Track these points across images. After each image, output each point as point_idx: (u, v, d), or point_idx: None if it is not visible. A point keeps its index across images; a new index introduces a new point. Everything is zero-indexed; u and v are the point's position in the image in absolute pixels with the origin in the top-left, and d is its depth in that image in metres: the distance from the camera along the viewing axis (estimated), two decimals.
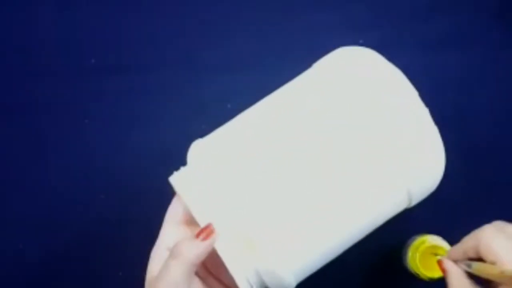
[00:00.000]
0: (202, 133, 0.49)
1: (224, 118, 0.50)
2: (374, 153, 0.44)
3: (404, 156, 0.45)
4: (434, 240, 0.57)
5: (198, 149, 0.47)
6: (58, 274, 0.58)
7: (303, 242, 0.44)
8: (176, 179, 0.46)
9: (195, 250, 0.42)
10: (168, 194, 0.48)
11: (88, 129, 0.64)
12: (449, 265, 0.46)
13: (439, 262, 0.47)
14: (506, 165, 0.63)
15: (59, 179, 0.62)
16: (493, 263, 0.42)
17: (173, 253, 0.43)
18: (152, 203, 0.49)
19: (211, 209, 0.44)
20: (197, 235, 0.42)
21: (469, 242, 0.45)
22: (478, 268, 0.44)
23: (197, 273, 0.45)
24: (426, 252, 0.57)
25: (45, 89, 0.66)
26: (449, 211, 0.62)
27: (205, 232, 0.42)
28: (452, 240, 0.55)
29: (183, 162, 0.48)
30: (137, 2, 0.69)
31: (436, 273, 0.56)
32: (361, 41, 0.66)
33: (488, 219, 0.58)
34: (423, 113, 0.45)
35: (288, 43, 0.66)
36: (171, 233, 0.46)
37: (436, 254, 0.56)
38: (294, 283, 0.46)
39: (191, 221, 0.45)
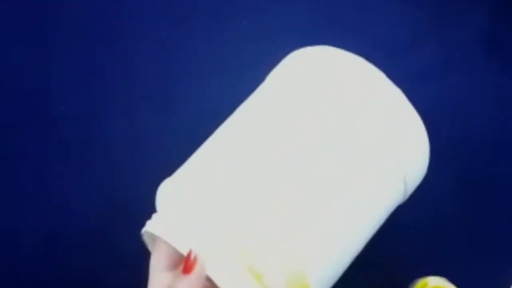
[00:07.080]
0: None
1: None
2: (355, 144, 0.44)
3: (389, 139, 0.44)
4: (436, 282, 0.54)
5: (166, 192, 0.45)
6: None
7: None
8: (152, 227, 0.43)
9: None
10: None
11: (60, 177, 0.62)
12: None
13: None
14: (507, 200, 0.61)
15: (28, 235, 0.59)
16: None
17: None
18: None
19: (194, 232, 0.41)
20: (183, 271, 0.39)
21: None
22: None
23: None
24: None
25: (15, 139, 0.64)
26: (450, 250, 0.59)
27: (188, 262, 0.40)
28: (456, 280, 0.52)
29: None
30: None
31: None
32: None
33: (490, 257, 0.57)
34: (396, 93, 0.45)
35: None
36: (159, 281, 0.43)
37: None
38: None
39: (178, 262, 0.42)
